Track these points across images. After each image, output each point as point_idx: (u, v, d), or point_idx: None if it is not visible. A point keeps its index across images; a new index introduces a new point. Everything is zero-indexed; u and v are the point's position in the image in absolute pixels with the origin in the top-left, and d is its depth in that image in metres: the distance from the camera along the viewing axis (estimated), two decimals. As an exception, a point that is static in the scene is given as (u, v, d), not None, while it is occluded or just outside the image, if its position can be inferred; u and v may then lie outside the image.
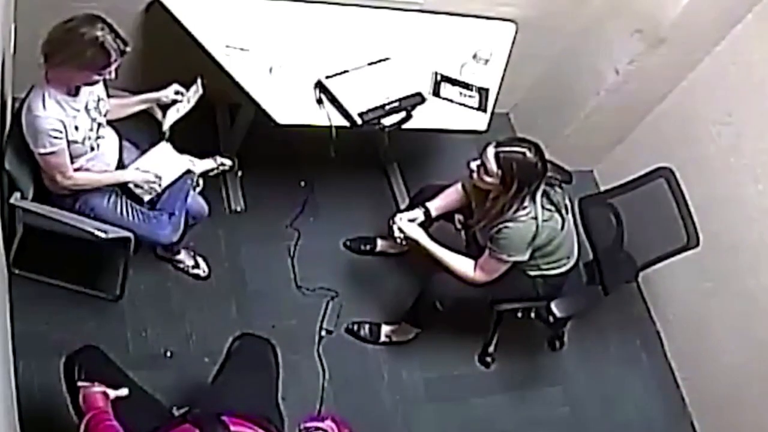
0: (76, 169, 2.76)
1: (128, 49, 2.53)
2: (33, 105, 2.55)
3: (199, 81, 2.97)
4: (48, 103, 2.55)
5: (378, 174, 3.99)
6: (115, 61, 2.51)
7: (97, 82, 2.60)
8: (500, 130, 3.93)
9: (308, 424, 2.07)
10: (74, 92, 2.63)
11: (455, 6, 3.55)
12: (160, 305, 3.29)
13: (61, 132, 2.59)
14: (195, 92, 2.97)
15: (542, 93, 4.20)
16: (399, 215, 3.17)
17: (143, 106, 2.96)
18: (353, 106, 3.10)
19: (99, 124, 2.78)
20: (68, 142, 2.63)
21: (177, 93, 2.94)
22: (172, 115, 2.96)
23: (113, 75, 2.58)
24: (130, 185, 2.90)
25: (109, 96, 2.85)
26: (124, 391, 2.24)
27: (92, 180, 2.81)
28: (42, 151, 2.61)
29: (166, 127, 2.95)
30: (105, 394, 2.19)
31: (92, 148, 2.78)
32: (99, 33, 2.45)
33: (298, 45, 3.20)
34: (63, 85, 2.58)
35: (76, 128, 2.65)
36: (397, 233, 3.12)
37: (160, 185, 2.91)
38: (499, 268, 3.05)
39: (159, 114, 2.97)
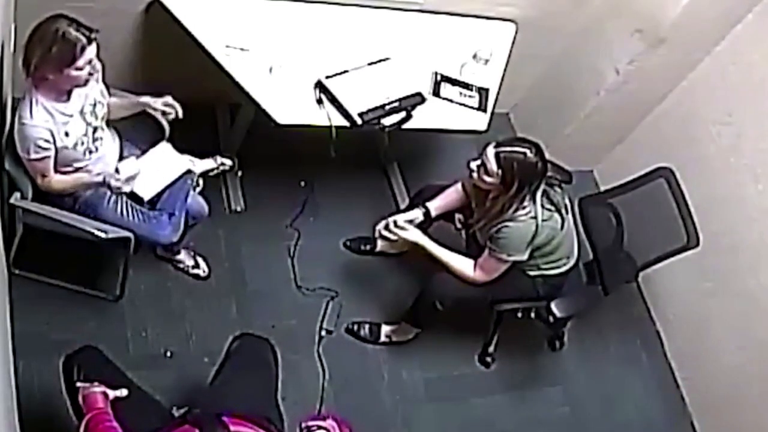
0: (75, 171, 2.76)
1: (94, 35, 2.49)
2: (22, 112, 2.56)
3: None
4: (35, 110, 2.54)
5: (378, 174, 3.99)
6: (83, 50, 2.46)
7: (81, 81, 2.55)
8: (500, 130, 3.94)
9: (310, 423, 2.07)
10: (65, 97, 2.62)
11: (455, 6, 3.55)
12: (160, 305, 3.29)
13: (47, 141, 2.59)
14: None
15: (542, 93, 4.20)
16: (391, 217, 3.16)
17: (138, 109, 2.93)
18: (353, 106, 3.10)
19: (95, 128, 2.77)
20: (57, 149, 2.63)
21: (166, 105, 2.87)
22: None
23: (97, 68, 2.55)
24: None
25: (110, 94, 2.85)
26: (123, 392, 2.24)
27: (67, 183, 2.77)
28: (26, 156, 2.62)
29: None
30: (105, 395, 2.19)
31: (90, 152, 2.78)
32: (58, 26, 2.44)
33: (298, 45, 3.20)
34: (51, 90, 2.57)
35: (67, 134, 2.64)
36: (385, 234, 3.11)
37: (122, 180, 2.76)
38: (498, 268, 3.05)
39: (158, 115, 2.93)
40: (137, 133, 3.03)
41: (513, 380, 3.65)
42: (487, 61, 3.44)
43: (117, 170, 2.77)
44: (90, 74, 2.55)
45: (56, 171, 2.72)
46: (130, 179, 2.77)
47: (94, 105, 2.75)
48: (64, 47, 2.45)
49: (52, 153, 2.63)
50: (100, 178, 2.76)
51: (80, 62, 2.48)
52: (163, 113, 2.89)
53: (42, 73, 2.51)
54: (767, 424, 3.50)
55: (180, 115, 2.88)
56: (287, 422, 2.47)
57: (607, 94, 3.87)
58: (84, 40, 2.46)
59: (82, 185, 2.80)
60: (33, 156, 2.61)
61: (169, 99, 2.88)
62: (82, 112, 2.69)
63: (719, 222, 3.58)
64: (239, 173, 3.64)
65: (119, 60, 3.30)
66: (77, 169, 2.78)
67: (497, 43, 3.56)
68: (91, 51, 2.50)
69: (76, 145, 2.70)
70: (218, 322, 3.30)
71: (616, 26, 3.72)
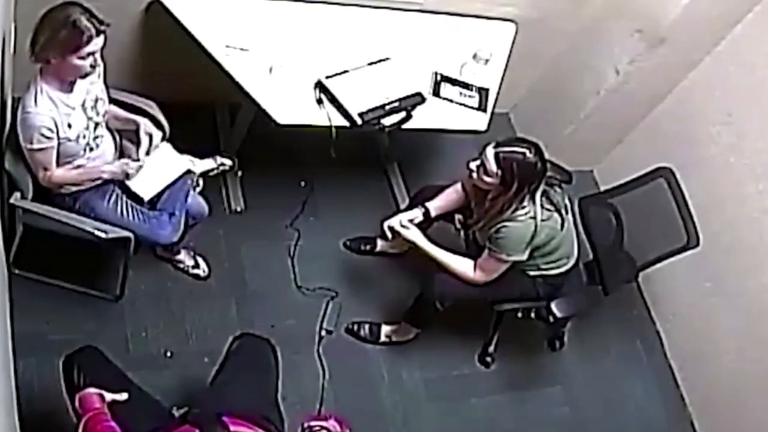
0: (75, 169, 2.76)
1: (104, 27, 2.49)
2: (26, 100, 2.56)
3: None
4: (40, 99, 2.55)
5: (378, 174, 3.98)
6: (89, 39, 2.46)
7: (82, 71, 2.55)
8: (500, 130, 3.93)
9: (312, 423, 2.07)
10: (69, 89, 2.62)
11: (455, 6, 3.55)
12: (160, 305, 3.29)
13: (51, 130, 2.58)
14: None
15: (542, 93, 4.20)
16: (397, 216, 3.17)
17: (131, 127, 2.93)
18: (353, 106, 3.10)
19: (96, 124, 2.77)
20: (60, 139, 2.63)
21: (147, 134, 2.90)
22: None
23: (98, 60, 2.55)
24: (127, 181, 2.89)
25: (110, 100, 2.85)
26: (123, 396, 2.24)
27: (68, 177, 2.77)
28: (29, 146, 2.61)
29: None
30: (101, 396, 2.19)
31: (90, 148, 2.77)
32: (70, 13, 2.45)
33: (298, 45, 3.20)
34: (55, 79, 2.57)
35: (69, 126, 2.64)
36: (389, 233, 3.12)
37: (137, 165, 2.82)
38: (498, 268, 3.05)
39: (145, 140, 2.91)
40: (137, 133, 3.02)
41: (513, 380, 3.65)
42: (487, 61, 3.44)
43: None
44: (92, 66, 2.55)
45: (58, 166, 2.72)
46: (150, 150, 2.82)
47: (96, 101, 2.74)
48: (72, 34, 2.45)
49: (54, 144, 2.63)
50: (105, 174, 2.79)
51: (84, 51, 2.48)
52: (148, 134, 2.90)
53: (45, 55, 2.50)
54: (767, 423, 3.50)
55: (156, 143, 2.92)
56: (287, 422, 2.47)
57: (607, 94, 3.87)
58: (93, 30, 2.46)
59: (84, 178, 2.80)
60: (36, 146, 2.60)
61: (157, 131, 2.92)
62: (84, 106, 2.69)
63: (719, 222, 3.58)
64: (239, 173, 3.64)
65: (119, 59, 3.29)
66: (77, 168, 2.78)
67: (497, 43, 3.56)
68: (97, 42, 2.50)
69: (78, 138, 2.69)
70: (218, 322, 3.30)
71: (616, 26, 3.72)
